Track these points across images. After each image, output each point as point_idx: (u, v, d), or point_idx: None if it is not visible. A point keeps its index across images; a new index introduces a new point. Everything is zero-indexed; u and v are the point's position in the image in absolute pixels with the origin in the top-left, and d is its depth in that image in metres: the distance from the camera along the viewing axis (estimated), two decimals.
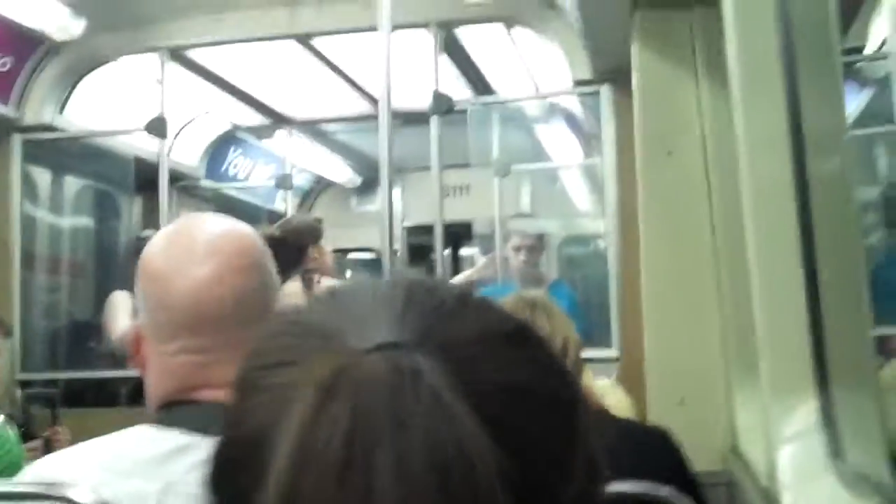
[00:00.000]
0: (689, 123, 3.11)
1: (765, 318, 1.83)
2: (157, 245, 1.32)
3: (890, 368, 2.52)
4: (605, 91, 4.03)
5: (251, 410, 0.54)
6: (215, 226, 1.33)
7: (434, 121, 4.05)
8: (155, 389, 1.30)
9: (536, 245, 4.61)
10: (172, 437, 1.22)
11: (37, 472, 1.27)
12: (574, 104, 5.04)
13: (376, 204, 7.93)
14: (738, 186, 2.93)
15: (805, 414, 1.75)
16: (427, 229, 4.73)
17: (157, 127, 4.45)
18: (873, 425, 1.69)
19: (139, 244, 4.76)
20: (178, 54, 4.72)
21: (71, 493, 1.13)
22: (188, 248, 1.28)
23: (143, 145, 4.92)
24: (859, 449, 1.70)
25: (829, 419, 1.71)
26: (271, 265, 1.34)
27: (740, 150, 1.90)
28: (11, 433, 3.35)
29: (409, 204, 6.71)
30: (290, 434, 0.48)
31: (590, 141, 5.36)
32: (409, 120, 4.37)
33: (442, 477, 0.46)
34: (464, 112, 4.57)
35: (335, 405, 0.47)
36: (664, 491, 1.83)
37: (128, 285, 4.88)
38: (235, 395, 0.57)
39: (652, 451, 2.14)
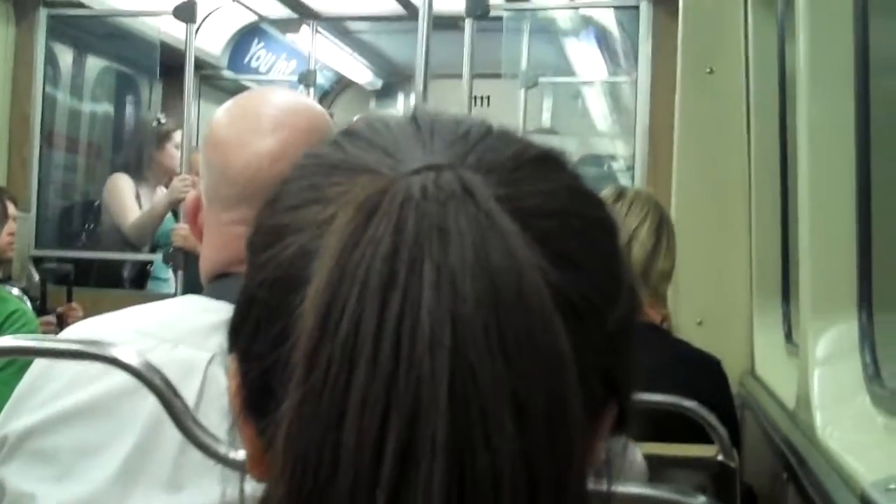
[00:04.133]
0: (732, 42, 3.07)
1: (811, 238, 1.81)
2: (224, 116, 1.29)
3: None
4: (645, 6, 3.96)
5: (281, 250, 0.52)
6: (284, 100, 1.30)
7: (468, 24, 3.95)
8: (209, 259, 1.28)
9: None
10: (222, 308, 1.20)
11: (80, 334, 1.26)
12: (608, 19, 4.95)
13: (396, 108, 7.95)
14: (777, 107, 2.91)
15: (844, 334, 1.73)
16: None
17: (185, 11, 4.34)
18: None
19: (159, 129, 4.73)
20: None
21: (117, 353, 1.10)
22: (254, 120, 1.25)
23: (169, 30, 4.85)
24: None
25: (868, 341, 1.70)
26: None
27: (800, 72, 1.87)
28: (27, 307, 3.36)
29: None
30: (328, 256, 0.46)
31: (617, 59, 5.28)
32: (436, 25, 4.26)
33: (491, 289, 0.44)
34: (492, 19, 4.47)
35: (377, 224, 0.45)
36: (688, 404, 1.83)
37: (133, 169, 4.84)
38: (256, 241, 0.55)
39: (703, 375, 2.15)
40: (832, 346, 1.76)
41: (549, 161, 0.55)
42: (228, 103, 1.32)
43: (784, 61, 2.87)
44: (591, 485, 0.54)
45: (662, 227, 2.29)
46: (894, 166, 1.80)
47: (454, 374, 0.43)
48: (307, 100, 1.33)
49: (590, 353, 0.49)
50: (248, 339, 0.54)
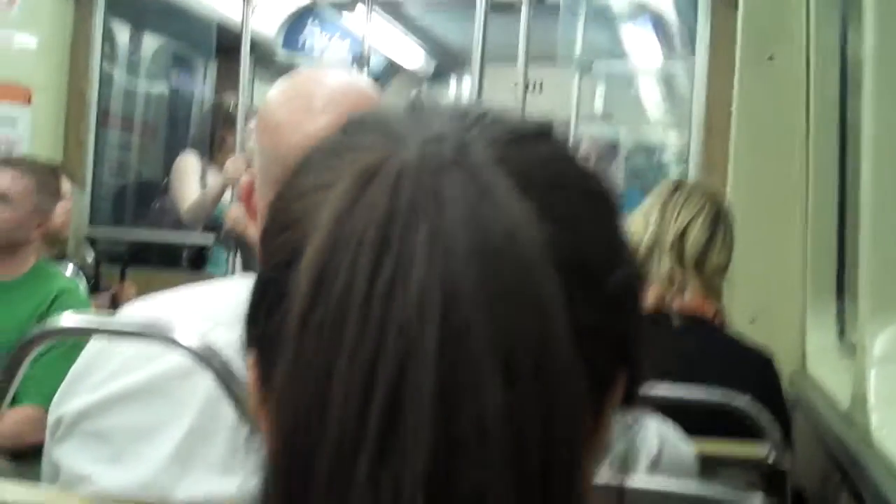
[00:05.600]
0: (794, 29, 3.02)
1: (872, 235, 1.78)
2: (276, 96, 1.28)
3: None
4: None
5: (290, 235, 0.53)
6: (336, 80, 1.29)
7: (525, 7, 3.93)
8: None
9: (608, 153, 4.52)
10: None
11: (136, 314, 1.26)
12: (665, 3, 4.90)
13: (448, 93, 7.92)
14: (838, 97, 2.86)
15: None
16: None
17: None
18: None
19: (231, 110, 4.69)
20: None
21: (176, 336, 1.11)
22: (306, 101, 1.24)
23: (224, 10, 4.86)
24: None
25: None
26: None
27: (867, 62, 1.83)
28: (81, 285, 3.39)
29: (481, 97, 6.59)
30: (323, 224, 0.47)
31: (673, 46, 5.22)
32: (493, 8, 4.24)
33: (483, 241, 0.45)
34: (549, 4, 4.44)
35: (374, 190, 0.47)
36: (740, 401, 1.80)
37: (200, 147, 4.82)
38: (268, 231, 0.56)
39: (752, 371, 2.11)
40: (890, 345, 1.73)
41: (548, 134, 0.56)
42: (280, 83, 1.31)
43: (846, 49, 2.82)
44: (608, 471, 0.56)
45: (719, 221, 2.26)
46: None
47: (442, 329, 0.43)
48: (359, 78, 1.32)
49: (586, 310, 0.49)
50: (262, 326, 0.54)
